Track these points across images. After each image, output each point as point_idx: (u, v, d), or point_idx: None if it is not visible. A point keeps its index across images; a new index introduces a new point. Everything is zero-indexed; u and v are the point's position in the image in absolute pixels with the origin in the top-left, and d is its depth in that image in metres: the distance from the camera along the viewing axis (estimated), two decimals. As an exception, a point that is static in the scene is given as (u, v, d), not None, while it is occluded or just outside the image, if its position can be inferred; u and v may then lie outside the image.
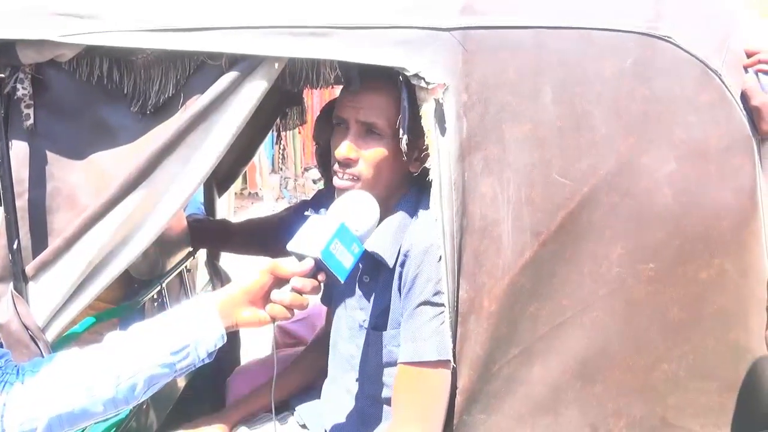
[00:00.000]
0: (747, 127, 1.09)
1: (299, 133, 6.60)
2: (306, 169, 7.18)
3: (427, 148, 1.09)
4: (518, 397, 1.09)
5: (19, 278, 1.05)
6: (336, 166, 1.14)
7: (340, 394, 1.26)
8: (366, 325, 1.18)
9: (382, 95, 1.11)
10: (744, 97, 1.09)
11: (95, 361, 0.90)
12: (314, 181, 7.09)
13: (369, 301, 1.18)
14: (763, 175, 1.11)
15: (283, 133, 2.00)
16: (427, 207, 1.11)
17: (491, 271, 1.05)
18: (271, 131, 1.96)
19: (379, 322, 1.16)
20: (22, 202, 1.06)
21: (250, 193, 7.12)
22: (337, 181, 1.15)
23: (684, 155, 1.06)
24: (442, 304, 1.05)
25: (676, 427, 1.12)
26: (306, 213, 1.05)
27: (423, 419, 1.06)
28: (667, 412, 1.11)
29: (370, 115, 1.11)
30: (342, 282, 1.00)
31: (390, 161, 1.12)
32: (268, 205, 6.66)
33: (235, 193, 6.64)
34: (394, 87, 1.10)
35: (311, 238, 0.98)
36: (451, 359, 1.05)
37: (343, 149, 1.12)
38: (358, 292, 1.07)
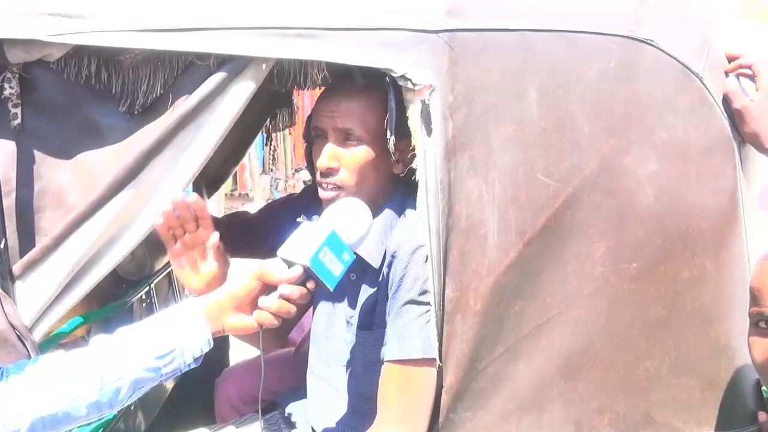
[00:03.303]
0: (728, 129, 1.11)
1: (290, 134, 6.60)
2: (297, 171, 7.16)
3: (411, 150, 1.09)
4: (504, 394, 1.10)
5: (6, 277, 1.05)
6: (319, 177, 1.16)
7: (325, 390, 1.26)
8: (353, 321, 1.19)
9: (358, 101, 1.13)
10: (726, 100, 1.11)
11: (80, 363, 0.90)
12: (305, 183, 7.08)
13: (356, 298, 1.18)
14: (744, 176, 1.14)
15: (273, 135, 2.00)
16: (412, 208, 1.12)
17: (477, 270, 1.06)
18: (260, 132, 1.97)
19: (365, 321, 1.16)
20: (9, 202, 1.06)
21: (240, 194, 7.10)
22: (321, 193, 1.16)
23: (665, 156, 1.08)
24: (428, 303, 1.06)
25: (658, 423, 1.14)
26: (298, 219, 1.06)
27: (408, 417, 1.06)
28: (650, 408, 1.13)
29: (346, 121, 1.12)
30: (331, 290, 1.00)
31: (372, 165, 1.13)
32: (259, 206, 6.64)
33: (225, 195, 6.61)
34: (370, 91, 1.12)
35: (301, 245, 0.98)
36: (437, 357, 1.06)
37: (324, 159, 1.13)
38: (344, 289, 1.08)
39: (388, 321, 1.10)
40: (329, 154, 1.13)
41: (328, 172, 1.13)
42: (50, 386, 0.87)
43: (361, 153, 1.13)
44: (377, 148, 1.13)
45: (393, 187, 1.19)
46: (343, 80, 1.15)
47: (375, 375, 1.11)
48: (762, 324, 1.00)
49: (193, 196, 1.10)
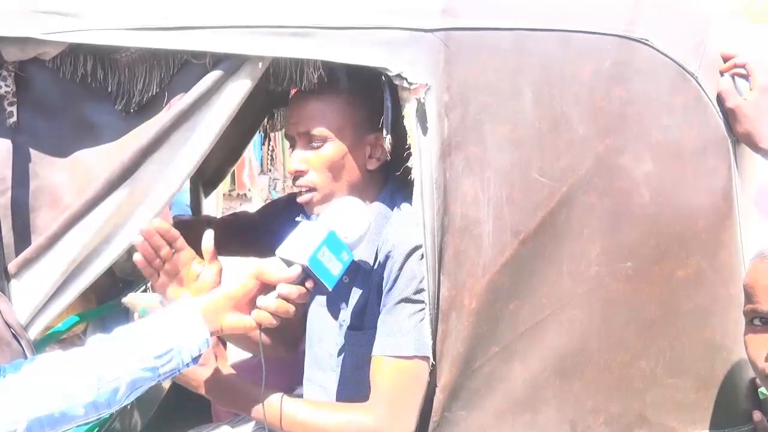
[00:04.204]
0: (723, 129, 1.11)
1: (288, 134, 6.60)
2: (295, 171, 7.14)
3: (395, 146, 1.10)
4: (498, 394, 1.10)
5: (1, 276, 1.05)
6: (292, 182, 1.18)
7: (320, 395, 1.25)
8: (345, 323, 1.19)
9: (317, 102, 1.14)
10: (719, 100, 1.11)
11: (77, 363, 0.89)
12: (303, 183, 7.04)
13: (348, 300, 1.18)
14: (739, 176, 1.14)
15: (271, 134, 2.00)
16: (401, 206, 1.13)
17: (472, 269, 1.06)
18: (258, 132, 1.97)
19: (356, 322, 1.16)
20: (4, 200, 1.06)
21: (238, 194, 7.09)
22: (298, 198, 1.18)
23: (660, 156, 1.08)
24: (422, 302, 1.06)
25: (653, 423, 1.14)
26: (297, 219, 1.06)
27: (391, 405, 1.05)
28: (645, 408, 1.13)
29: (307, 123, 1.14)
30: (330, 290, 1.00)
31: (341, 163, 1.14)
32: (257, 207, 6.62)
33: (224, 194, 6.61)
34: (332, 92, 1.14)
35: (299, 244, 0.98)
36: (430, 356, 1.06)
37: (292, 163, 1.16)
38: (337, 291, 1.08)
39: (379, 317, 1.10)
40: (297, 158, 1.15)
41: (298, 175, 1.15)
42: (47, 386, 0.86)
43: (328, 152, 1.14)
44: (346, 146, 1.14)
45: (379, 186, 1.19)
46: (306, 87, 1.15)
47: (365, 377, 1.10)
48: (756, 321, 1.00)
49: (156, 221, 1.09)
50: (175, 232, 1.12)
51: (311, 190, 1.15)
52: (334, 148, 1.14)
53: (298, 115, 1.16)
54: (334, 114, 1.14)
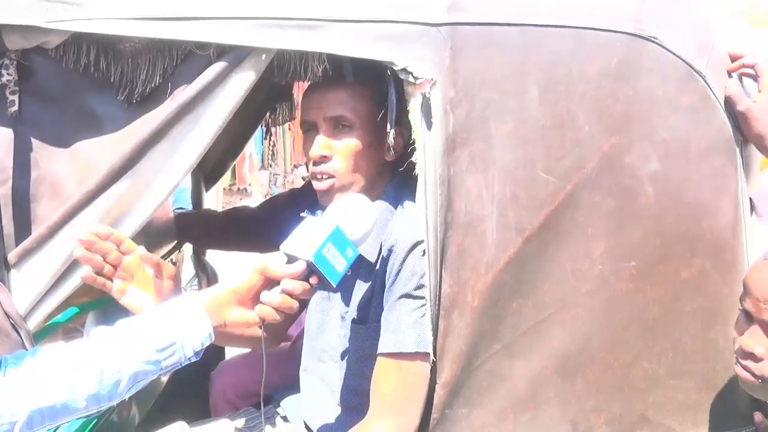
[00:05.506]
0: (729, 129, 1.10)
1: (289, 129, 6.60)
2: (295, 166, 7.17)
3: (405, 139, 1.10)
4: (500, 392, 1.10)
5: (1, 266, 1.04)
6: (312, 168, 1.16)
7: (318, 386, 1.25)
8: (348, 317, 1.19)
9: (344, 90, 1.14)
10: (729, 102, 1.10)
11: (79, 355, 0.89)
12: (303, 178, 7.09)
13: (350, 293, 1.18)
14: (745, 176, 1.13)
15: (272, 129, 1.99)
16: (406, 201, 1.13)
17: (475, 266, 1.06)
18: (260, 126, 1.96)
19: (360, 315, 1.16)
20: (5, 190, 1.05)
21: (239, 188, 7.10)
22: (316, 184, 1.16)
23: (666, 155, 1.07)
24: (423, 297, 1.05)
25: (655, 423, 1.13)
26: (302, 214, 1.05)
27: (398, 410, 1.06)
28: (647, 409, 1.13)
29: (336, 108, 1.13)
30: (334, 286, 0.99)
31: (364, 152, 1.14)
32: (257, 201, 6.64)
33: (224, 189, 6.62)
34: (355, 83, 1.14)
35: (304, 240, 0.98)
36: (431, 352, 1.05)
37: (317, 148, 1.14)
38: (340, 283, 1.07)
39: (382, 314, 1.10)
40: (321, 143, 1.14)
41: (321, 161, 1.14)
42: (49, 378, 0.86)
43: (353, 141, 1.14)
44: (368, 136, 1.14)
45: (386, 181, 1.19)
46: (328, 75, 1.14)
47: (369, 369, 1.10)
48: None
49: (93, 227, 1.01)
50: (120, 234, 1.04)
51: (332, 177, 1.14)
52: (359, 137, 1.14)
53: (327, 100, 1.14)
54: (362, 103, 1.14)
